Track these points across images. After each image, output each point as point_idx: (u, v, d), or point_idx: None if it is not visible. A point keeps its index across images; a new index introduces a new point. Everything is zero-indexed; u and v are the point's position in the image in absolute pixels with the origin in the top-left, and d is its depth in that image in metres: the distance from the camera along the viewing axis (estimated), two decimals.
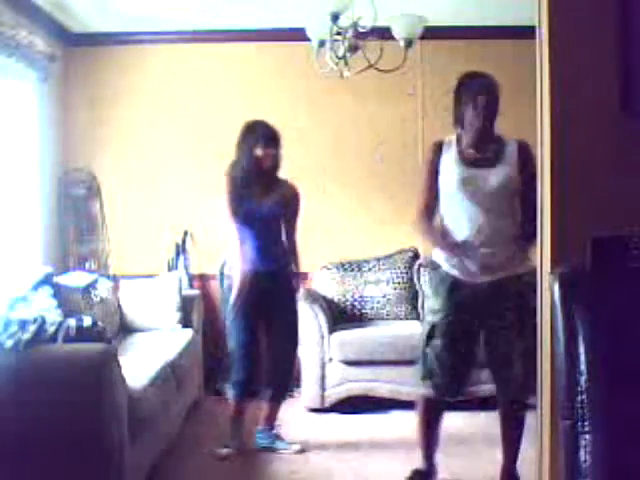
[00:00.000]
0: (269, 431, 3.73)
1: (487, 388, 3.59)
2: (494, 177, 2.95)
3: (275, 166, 3.64)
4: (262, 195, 3.61)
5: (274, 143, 3.59)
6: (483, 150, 2.99)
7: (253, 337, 3.64)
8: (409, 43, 3.48)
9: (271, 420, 3.75)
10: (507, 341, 2.95)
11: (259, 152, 3.56)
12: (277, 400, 3.75)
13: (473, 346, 3.04)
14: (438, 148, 3.05)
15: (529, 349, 2.58)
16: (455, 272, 2.97)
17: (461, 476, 3.30)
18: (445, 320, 2.98)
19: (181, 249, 4.91)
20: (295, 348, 3.80)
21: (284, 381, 3.76)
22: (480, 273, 2.94)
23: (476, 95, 2.93)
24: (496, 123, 3.03)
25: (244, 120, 3.68)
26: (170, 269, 4.88)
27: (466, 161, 2.98)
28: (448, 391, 3.04)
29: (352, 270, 4.79)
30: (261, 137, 3.57)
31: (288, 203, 3.69)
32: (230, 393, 3.73)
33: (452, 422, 3.51)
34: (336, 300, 4.70)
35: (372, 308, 4.70)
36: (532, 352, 2.37)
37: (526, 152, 2.87)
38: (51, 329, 2.65)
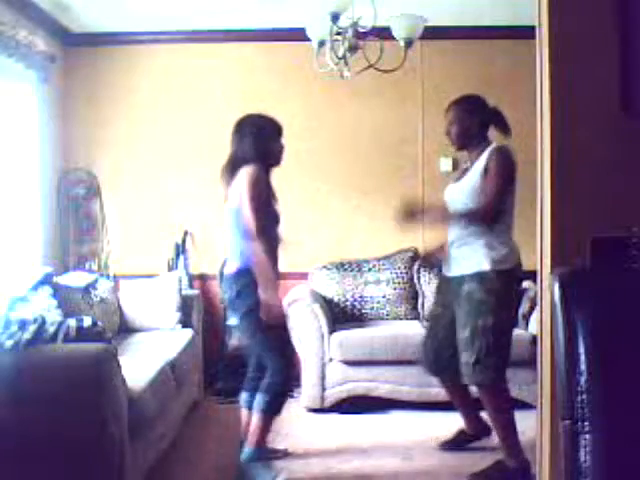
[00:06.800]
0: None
1: None
2: None
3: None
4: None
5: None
6: None
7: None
8: (409, 43, 3.48)
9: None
10: None
11: (282, 146, 3.32)
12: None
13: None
14: None
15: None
16: None
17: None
18: None
19: (181, 249, 4.91)
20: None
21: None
22: None
23: None
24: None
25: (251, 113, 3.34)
26: (170, 269, 4.88)
27: None
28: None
29: (352, 270, 4.79)
30: (279, 130, 3.31)
31: None
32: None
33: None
34: (336, 300, 4.70)
35: (372, 308, 4.70)
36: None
37: None
38: (51, 329, 2.65)
